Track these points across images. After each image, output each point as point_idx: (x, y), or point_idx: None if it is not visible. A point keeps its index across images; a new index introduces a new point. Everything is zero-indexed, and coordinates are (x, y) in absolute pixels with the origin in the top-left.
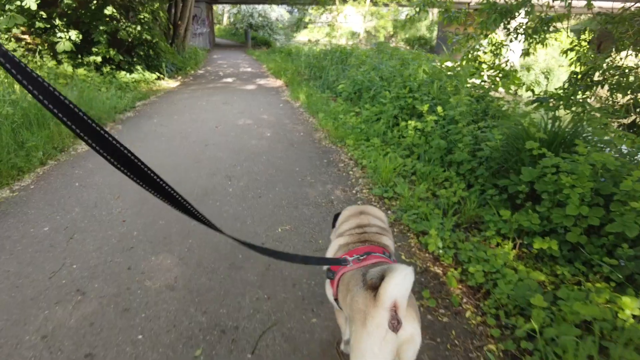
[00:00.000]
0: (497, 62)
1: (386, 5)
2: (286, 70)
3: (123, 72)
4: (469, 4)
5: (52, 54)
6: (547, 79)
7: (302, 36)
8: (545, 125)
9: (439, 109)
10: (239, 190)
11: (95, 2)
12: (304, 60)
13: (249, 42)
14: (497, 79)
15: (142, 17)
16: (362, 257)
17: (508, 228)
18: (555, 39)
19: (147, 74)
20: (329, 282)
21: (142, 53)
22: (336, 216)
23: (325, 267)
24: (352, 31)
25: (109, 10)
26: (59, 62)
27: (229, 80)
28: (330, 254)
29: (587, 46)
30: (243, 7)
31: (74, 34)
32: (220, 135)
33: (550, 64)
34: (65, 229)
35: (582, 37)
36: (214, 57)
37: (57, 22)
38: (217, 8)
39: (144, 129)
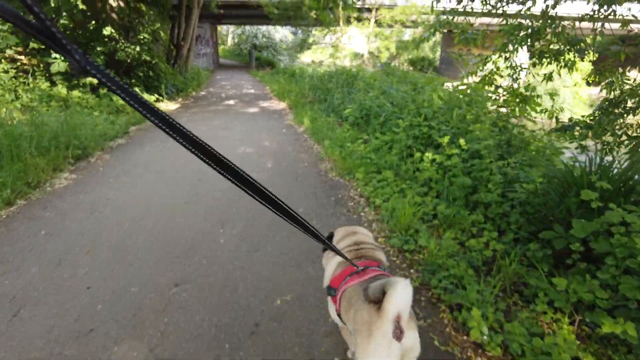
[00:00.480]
0: (515, 85)
1: (390, 26)
2: (290, 92)
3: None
4: (487, 24)
5: (47, 75)
6: (553, 99)
7: (306, 57)
8: (596, 165)
9: (461, 141)
10: (232, 242)
11: (93, 22)
12: (307, 82)
13: (252, 62)
14: (514, 103)
15: (141, 37)
16: (362, 269)
17: (564, 300)
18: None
19: (146, 96)
20: (331, 299)
21: (141, 74)
22: (328, 238)
23: (325, 286)
24: (355, 52)
25: (107, 30)
26: (54, 84)
27: (231, 102)
28: (329, 272)
29: (619, 70)
30: (247, 27)
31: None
32: (216, 175)
33: (556, 84)
34: (12, 300)
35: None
36: (217, 78)
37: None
38: (222, 29)
39: (133, 159)
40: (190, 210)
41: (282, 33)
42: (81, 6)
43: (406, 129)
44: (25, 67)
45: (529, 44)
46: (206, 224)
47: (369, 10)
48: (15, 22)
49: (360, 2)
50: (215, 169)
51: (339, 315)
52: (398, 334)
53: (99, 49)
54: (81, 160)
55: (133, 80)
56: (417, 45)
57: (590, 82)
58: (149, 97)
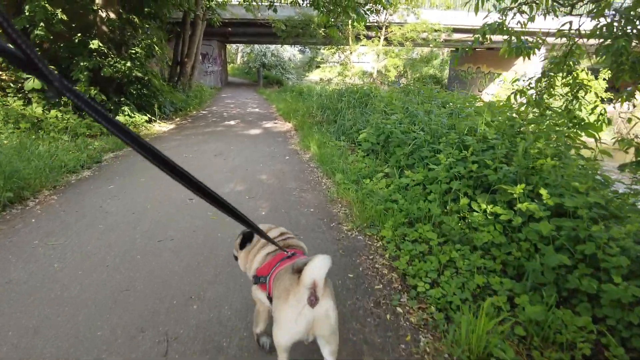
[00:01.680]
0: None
1: (401, 44)
2: (296, 112)
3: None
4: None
5: (21, 92)
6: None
7: (314, 75)
8: None
9: (543, 192)
10: None
11: (79, 35)
12: (315, 101)
13: (260, 80)
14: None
15: (133, 51)
16: (291, 255)
17: None
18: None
19: (137, 116)
20: (258, 287)
21: (134, 92)
22: (244, 237)
23: (251, 276)
24: (363, 70)
25: (94, 44)
26: (29, 102)
27: (232, 122)
28: (256, 264)
29: None
30: (256, 46)
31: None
32: (190, 218)
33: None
34: None
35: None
36: (222, 96)
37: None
38: (231, 47)
39: (86, 203)
40: (131, 302)
41: (290, 52)
42: (61, 16)
43: (448, 165)
44: (3, 83)
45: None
46: (143, 344)
47: (379, 28)
48: None
49: (363, 23)
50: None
51: (270, 298)
52: (313, 300)
53: (82, 64)
54: (14, 205)
55: (122, 99)
56: (428, 61)
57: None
58: (140, 118)
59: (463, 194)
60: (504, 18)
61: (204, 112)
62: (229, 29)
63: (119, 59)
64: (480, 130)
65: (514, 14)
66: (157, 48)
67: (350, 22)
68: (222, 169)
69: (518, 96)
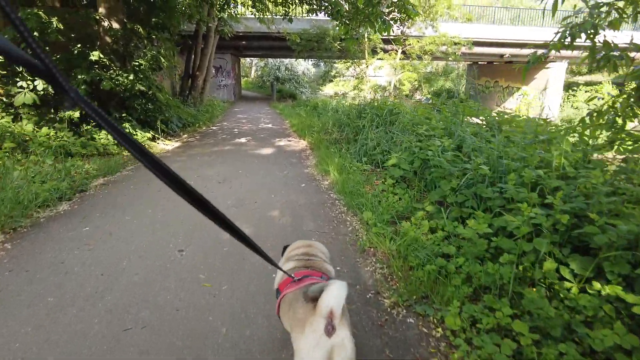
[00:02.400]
0: None
1: (419, 57)
2: (311, 128)
3: (104, 131)
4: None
5: (10, 107)
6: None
7: (328, 89)
8: None
9: None
10: None
11: (79, 45)
12: (331, 116)
13: (274, 94)
14: None
15: (137, 64)
16: (298, 279)
17: None
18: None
19: (139, 133)
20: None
21: (137, 107)
22: (284, 248)
23: (274, 288)
24: (377, 84)
25: (95, 55)
26: (19, 118)
27: (242, 140)
28: (278, 277)
29: None
30: (270, 60)
31: (40, 83)
32: (174, 286)
33: (570, 113)
34: None
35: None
36: (234, 110)
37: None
38: (245, 61)
39: (45, 257)
40: None
41: (304, 65)
42: (57, 25)
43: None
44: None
45: None
46: None
47: (397, 41)
48: (17, 63)
49: (385, 33)
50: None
51: (278, 316)
52: (329, 330)
53: (80, 77)
54: None
55: (124, 114)
56: (447, 74)
57: None
58: (141, 136)
59: (546, 252)
60: (597, 16)
61: (214, 127)
62: (243, 42)
63: (122, 72)
64: (557, 163)
65: (607, 13)
66: (163, 60)
67: (366, 34)
68: (227, 201)
69: (589, 117)
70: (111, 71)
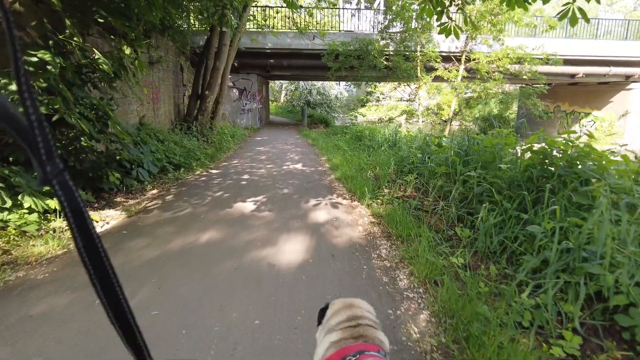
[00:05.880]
0: None
1: (488, 75)
2: (362, 171)
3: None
4: None
5: None
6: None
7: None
8: None
9: None
10: None
11: None
12: (393, 155)
13: (304, 120)
14: None
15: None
16: (354, 358)
17: None
18: None
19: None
20: None
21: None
22: (322, 311)
23: None
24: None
25: None
26: None
27: (250, 204)
28: (320, 354)
29: None
30: (301, 83)
31: None
32: None
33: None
34: None
35: None
36: (256, 139)
37: None
38: (274, 84)
39: None
40: None
41: (337, 89)
42: None
43: None
44: None
45: None
46: None
47: (458, 58)
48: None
49: (446, 47)
50: None
51: None
52: None
53: None
54: None
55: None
56: (523, 98)
57: None
58: (30, 218)
59: None
60: None
61: (213, 171)
62: (271, 60)
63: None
64: None
65: None
66: (106, 67)
67: (418, 48)
68: None
69: None
70: None
